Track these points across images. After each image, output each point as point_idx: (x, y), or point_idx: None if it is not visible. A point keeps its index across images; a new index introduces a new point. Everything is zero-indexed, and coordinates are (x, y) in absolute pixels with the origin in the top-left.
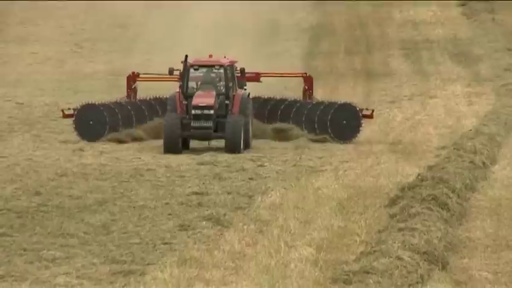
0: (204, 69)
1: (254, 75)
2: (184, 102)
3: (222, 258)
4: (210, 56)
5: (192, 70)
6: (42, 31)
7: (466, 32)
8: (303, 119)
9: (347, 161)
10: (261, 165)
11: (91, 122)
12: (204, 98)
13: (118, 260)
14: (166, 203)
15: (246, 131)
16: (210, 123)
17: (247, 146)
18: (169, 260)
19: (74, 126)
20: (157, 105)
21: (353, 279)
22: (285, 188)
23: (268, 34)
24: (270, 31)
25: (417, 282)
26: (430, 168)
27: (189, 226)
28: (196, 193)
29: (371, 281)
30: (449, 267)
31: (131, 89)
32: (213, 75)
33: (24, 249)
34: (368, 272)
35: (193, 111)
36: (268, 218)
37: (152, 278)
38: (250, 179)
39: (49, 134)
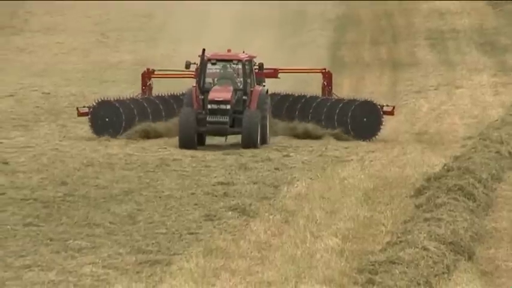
0: (222, 64)
1: (272, 71)
2: (201, 97)
3: (248, 248)
4: (229, 50)
5: (209, 64)
6: (68, 21)
7: (492, 22)
8: (322, 116)
9: (373, 151)
10: (286, 156)
11: (107, 119)
12: (221, 93)
13: (144, 250)
14: (192, 193)
15: (263, 126)
16: (226, 118)
17: (264, 141)
18: (195, 250)
19: (89, 124)
20: (174, 102)
21: (379, 269)
22: (310, 178)
23: (293, 24)
24: (296, 21)
25: (443, 273)
26: (456, 158)
27: (214, 216)
28: (222, 183)
29: (397, 271)
30: (475, 258)
31: (146, 86)
32: (230, 70)
33: (51, 239)
34: (394, 262)
35: (209, 106)
36: (294, 208)
37: (178, 268)
38: (276, 169)
39: (75, 124)
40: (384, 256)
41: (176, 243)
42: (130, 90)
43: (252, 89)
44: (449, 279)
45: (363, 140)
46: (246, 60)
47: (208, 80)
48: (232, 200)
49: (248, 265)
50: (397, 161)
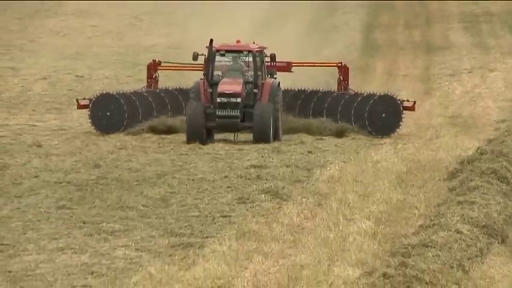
0: (231, 55)
1: (285, 64)
2: (209, 90)
3: (281, 231)
4: (238, 41)
5: (217, 56)
6: (101, 4)
7: None
8: (338, 112)
9: (406, 135)
10: (319, 139)
11: (108, 114)
12: (231, 85)
13: (177, 233)
14: (225, 176)
15: (276, 121)
16: (237, 112)
17: (276, 137)
18: (228, 233)
19: (89, 117)
20: (181, 96)
21: (412, 252)
22: (343, 161)
23: (327, 7)
24: (329, 4)
25: (476, 256)
26: (489, 141)
27: (247, 199)
28: (255, 166)
29: (430, 255)
30: (508, 241)
31: (152, 79)
32: (240, 61)
33: (84, 222)
34: (427, 246)
35: (218, 99)
36: (327, 191)
37: (211, 250)
38: (309, 152)
39: None
40: (417, 239)
41: (209, 226)
42: (161, 74)
43: (263, 81)
44: (483, 262)
45: (381, 137)
46: (256, 51)
47: (217, 72)
48: (265, 183)
49: (281, 248)
50: (430, 144)
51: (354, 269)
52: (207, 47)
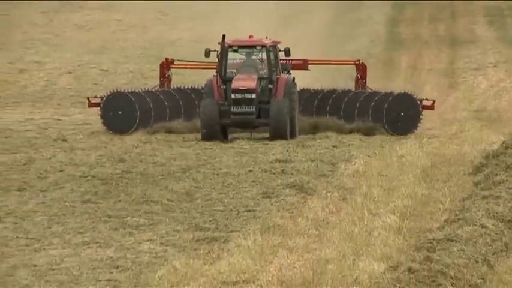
0: (244, 51)
1: (301, 62)
2: (223, 87)
3: (306, 225)
4: (251, 36)
5: (230, 52)
6: None
7: None
8: (355, 111)
9: (431, 129)
10: (344, 133)
11: (120, 112)
12: (245, 81)
13: (202, 227)
14: (250, 170)
15: (292, 118)
16: (252, 109)
17: (293, 134)
18: (252, 227)
19: (100, 116)
20: (194, 95)
21: (437, 247)
22: (368, 156)
23: (351, 1)
24: None
25: (501, 250)
26: None
27: (272, 193)
28: (279, 160)
29: (455, 249)
30: None
31: (165, 77)
32: (254, 57)
33: (109, 216)
34: (452, 240)
35: (233, 96)
36: (351, 186)
37: (236, 245)
38: (334, 146)
39: None
40: (442, 234)
41: (234, 220)
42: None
43: (277, 76)
44: (508, 257)
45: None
46: (270, 46)
47: (230, 68)
48: (290, 178)
49: (306, 242)
50: (455, 139)
51: (379, 263)
52: (219, 43)
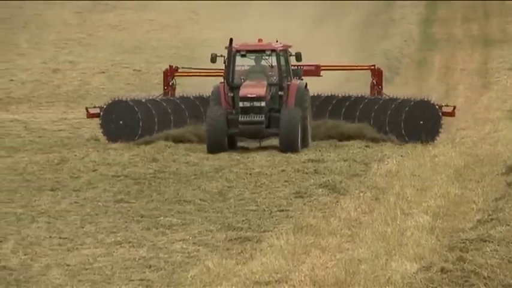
0: (253, 56)
1: (314, 68)
2: (230, 94)
3: (338, 225)
4: (260, 40)
5: (238, 57)
6: None
7: None
8: (371, 119)
9: (464, 129)
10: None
11: (121, 122)
12: (254, 88)
13: (234, 227)
14: (283, 170)
15: (304, 127)
16: (261, 117)
17: (305, 143)
18: (285, 227)
19: (100, 126)
20: (200, 104)
21: (470, 247)
22: (401, 156)
23: (385, 1)
24: None
25: None
26: None
27: (305, 193)
28: (312, 160)
29: (488, 249)
30: None
31: (169, 86)
32: (263, 62)
33: (142, 216)
34: (485, 240)
35: (241, 104)
36: (384, 186)
37: (268, 244)
38: (367, 146)
39: None
40: (475, 234)
41: (266, 220)
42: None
43: (288, 83)
44: None
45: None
46: (280, 50)
47: (238, 74)
48: (323, 177)
49: (338, 242)
50: (488, 138)
51: (412, 263)
52: (226, 48)
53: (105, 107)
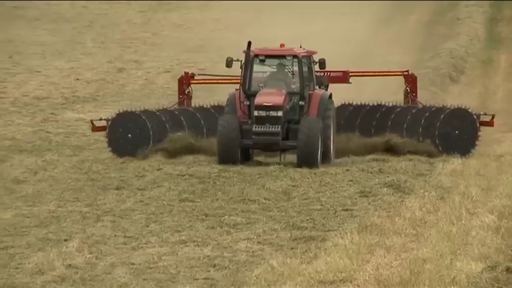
0: (272, 61)
1: (341, 74)
2: (246, 102)
3: (403, 225)
4: (282, 45)
5: (256, 62)
6: None
7: None
8: (404, 129)
9: None
10: None
11: (129, 136)
12: (271, 96)
13: (299, 226)
14: (347, 170)
15: (326, 139)
16: (277, 128)
17: (327, 159)
18: (349, 226)
19: (106, 140)
20: (217, 114)
21: None
22: (466, 155)
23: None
24: None
25: None
26: None
27: (369, 192)
28: (377, 160)
29: None
30: None
31: (185, 94)
32: (283, 68)
33: (206, 215)
34: None
35: (256, 113)
36: (449, 185)
37: (333, 244)
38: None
39: None
40: None
41: (331, 219)
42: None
43: (310, 92)
44: None
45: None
46: (302, 56)
47: (256, 81)
48: (387, 177)
49: (403, 242)
50: None
51: (477, 263)
52: (244, 52)
53: (111, 119)
